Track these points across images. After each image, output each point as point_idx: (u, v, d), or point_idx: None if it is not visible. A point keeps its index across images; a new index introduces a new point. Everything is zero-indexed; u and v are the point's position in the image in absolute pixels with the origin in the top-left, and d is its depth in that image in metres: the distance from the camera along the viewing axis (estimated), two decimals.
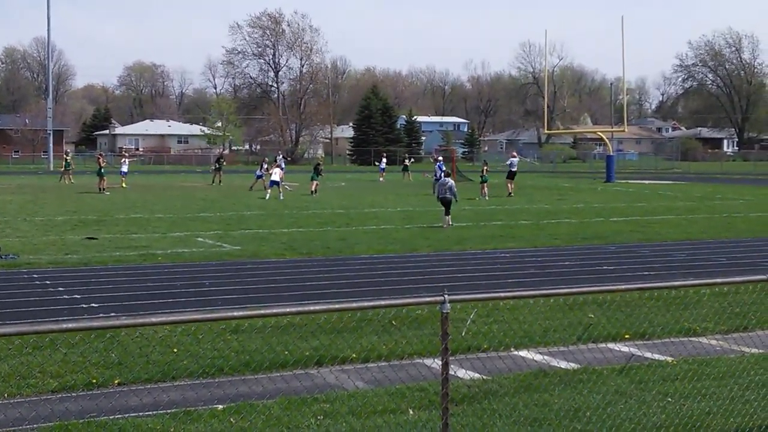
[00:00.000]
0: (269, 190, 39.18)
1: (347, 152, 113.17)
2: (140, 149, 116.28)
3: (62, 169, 53.15)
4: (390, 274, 16.69)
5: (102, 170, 42.91)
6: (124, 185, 45.00)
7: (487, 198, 38.76)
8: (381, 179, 57.94)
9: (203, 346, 9.95)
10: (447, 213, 25.96)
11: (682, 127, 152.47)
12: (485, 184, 39.95)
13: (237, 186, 50.20)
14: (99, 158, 45.49)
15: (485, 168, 40.94)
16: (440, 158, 53.23)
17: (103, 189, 42.04)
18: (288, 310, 5.74)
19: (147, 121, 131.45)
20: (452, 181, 26.68)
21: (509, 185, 42.20)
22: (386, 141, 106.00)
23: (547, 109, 76.11)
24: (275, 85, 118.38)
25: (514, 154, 46.10)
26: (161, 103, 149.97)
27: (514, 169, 43.16)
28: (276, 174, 39.33)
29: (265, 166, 45.17)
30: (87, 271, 16.46)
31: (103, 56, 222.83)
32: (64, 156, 55.92)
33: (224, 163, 55.24)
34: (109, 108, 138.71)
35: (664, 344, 10.48)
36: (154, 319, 5.12)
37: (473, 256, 19.57)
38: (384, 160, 61.49)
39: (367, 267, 17.54)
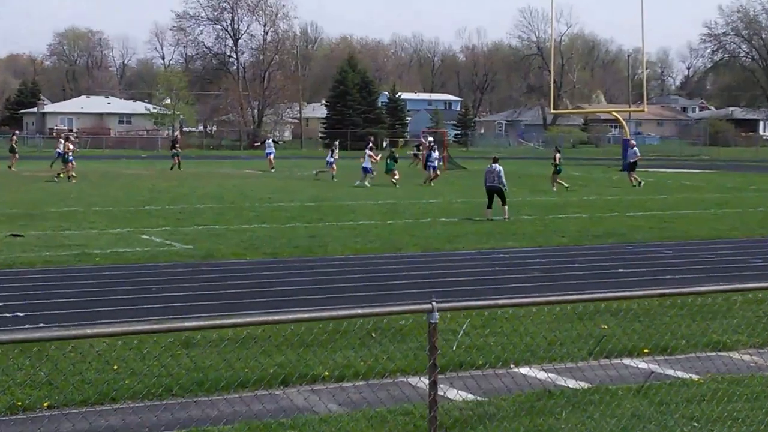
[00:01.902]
0: (363, 178, 41.91)
1: (319, 135, 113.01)
2: (74, 130, 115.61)
3: (10, 153, 53.28)
4: (369, 277, 16.70)
5: (68, 155, 43.35)
6: (62, 175, 44.92)
7: (557, 188, 39.16)
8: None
9: (148, 362, 9.92)
10: (490, 206, 27.14)
11: (711, 107, 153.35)
12: (558, 175, 40.16)
13: (192, 174, 50.03)
14: (67, 142, 45.63)
15: (558, 156, 40.85)
16: (431, 140, 53.34)
17: (71, 176, 42.76)
18: (249, 320, 5.74)
19: (83, 97, 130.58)
20: (500, 167, 27.62)
21: (633, 177, 43.46)
22: (365, 122, 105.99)
23: (554, 85, 76.37)
24: (234, 56, 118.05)
25: (633, 142, 47.90)
26: (99, 76, 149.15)
27: (634, 159, 45.09)
28: (368, 160, 42.27)
29: (336, 151, 49.23)
30: (11, 274, 16.36)
31: (31, 21, 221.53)
32: (12, 138, 55.99)
33: (179, 149, 55.79)
34: (37, 82, 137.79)
35: (688, 360, 10.54)
36: (89, 331, 5.10)
37: (467, 256, 19.62)
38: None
39: (342, 269, 17.55)
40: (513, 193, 38.15)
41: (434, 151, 45.56)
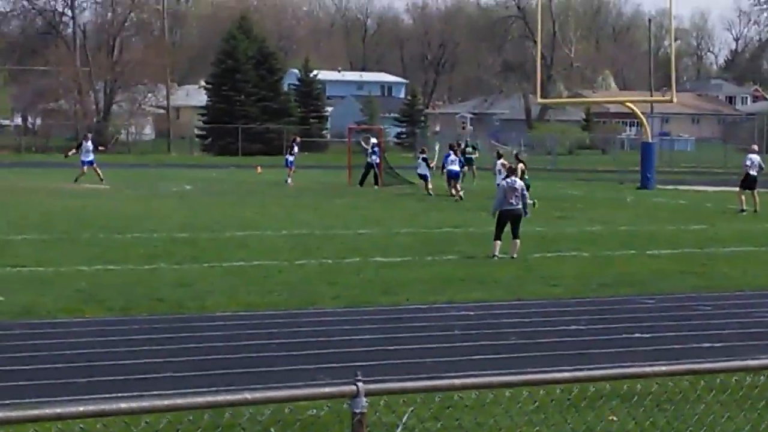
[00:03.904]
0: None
1: (196, 132, 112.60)
2: None
3: None
4: (266, 346, 16.67)
5: None
6: None
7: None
8: (289, 180, 57.70)
9: None
10: (499, 236, 27.35)
11: None
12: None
13: (4, 189, 49.51)
14: None
15: (521, 165, 40.45)
16: (374, 141, 54.40)
17: None
18: (83, 409, 5.67)
19: None
20: (521, 183, 28.50)
21: (745, 197, 42.19)
22: (264, 113, 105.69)
23: (542, 63, 77.08)
24: (70, 14, 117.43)
25: (755, 147, 45.55)
26: None
27: (754, 172, 42.58)
28: (501, 176, 43.02)
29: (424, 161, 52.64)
30: None
31: None
32: None
33: None
34: None
35: None
36: None
37: (412, 314, 19.64)
38: (296, 147, 61.21)
39: (226, 333, 17.48)
40: (486, 219, 38.33)
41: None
